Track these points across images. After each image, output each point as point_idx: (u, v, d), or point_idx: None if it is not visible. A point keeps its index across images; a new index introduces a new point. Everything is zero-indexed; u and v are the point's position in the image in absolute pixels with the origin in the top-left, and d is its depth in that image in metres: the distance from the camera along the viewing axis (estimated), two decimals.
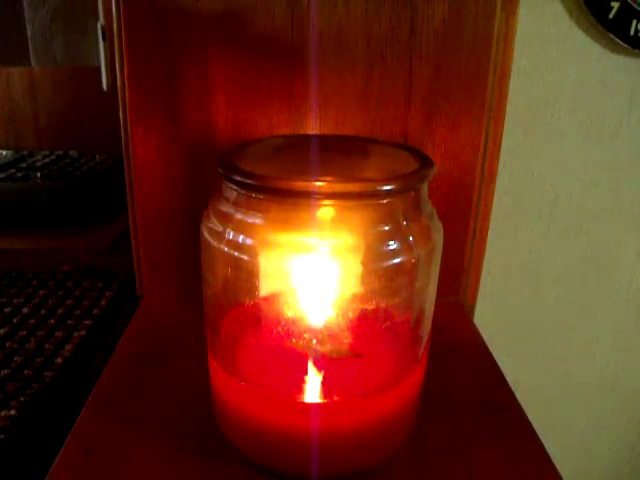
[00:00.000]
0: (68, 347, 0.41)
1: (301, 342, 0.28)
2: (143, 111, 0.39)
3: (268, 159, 0.30)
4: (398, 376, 0.28)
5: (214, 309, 0.29)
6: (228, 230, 0.26)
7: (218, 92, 0.39)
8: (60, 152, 0.72)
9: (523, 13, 0.46)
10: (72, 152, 0.72)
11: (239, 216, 0.26)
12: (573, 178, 0.57)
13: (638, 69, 0.53)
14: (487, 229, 0.45)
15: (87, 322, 0.45)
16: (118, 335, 0.41)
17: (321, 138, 0.36)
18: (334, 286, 0.27)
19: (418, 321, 0.28)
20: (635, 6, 0.50)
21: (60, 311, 0.47)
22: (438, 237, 0.27)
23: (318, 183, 0.23)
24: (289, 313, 0.28)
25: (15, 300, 0.48)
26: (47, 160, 0.68)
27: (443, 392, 0.35)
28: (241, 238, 0.25)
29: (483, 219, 0.44)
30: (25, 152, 0.72)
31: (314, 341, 0.28)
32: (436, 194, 0.42)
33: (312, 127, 0.40)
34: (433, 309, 0.29)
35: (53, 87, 0.75)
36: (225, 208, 0.26)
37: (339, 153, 0.32)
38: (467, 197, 0.42)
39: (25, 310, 0.47)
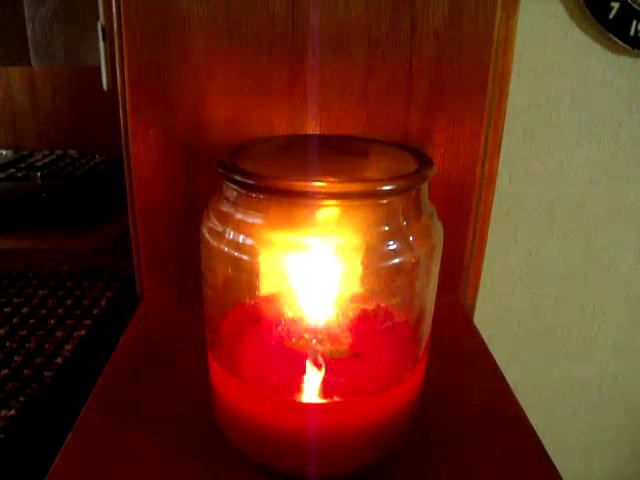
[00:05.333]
0: (68, 347, 0.41)
1: (301, 342, 0.28)
2: (143, 111, 0.39)
3: (268, 159, 0.30)
4: (398, 376, 0.28)
5: (214, 309, 0.29)
6: (228, 230, 0.26)
7: (218, 92, 0.39)
8: (60, 152, 0.72)
9: (523, 13, 0.46)
10: (72, 152, 0.72)
11: (239, 216, 0.26)
12: (573, 178, 0.57)
13: (638, 69, 0.53)
14: (487, 229, 0.45)
15: (87, 322, 0.45)
16: (118, 335, 0.41)
17: (321, 138, 0.36)
18: (334, 286, 0.27)
19: (418, 321, 0.28)
20: (635, 6, 0.50)
21: (60, 311, 0.47)
22: (438, 237, 0.27)
23: (318, 183, 0.23)
24: (289, 313, 0.28)
25: (15, 300, 0.48)
26: (47, 160, 0.68)
27: (443, 392, 0.35)
28: (241, 238, 0.25)
29: (483, 219, 0.44)
30: (25, 152, 0.72)
31: (314, 341, 0.28)
32: (436, 194, 0.41)
33: (312, 127, 0.40)
34: (433, 309, 0.29)
35: (53, 87, 0.75)
36: (225, 208, 0.26)
37: (339, 153, 0.32)
38: (467, 197, 0.42)
39: (25, 310, 0.47)
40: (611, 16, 0.50)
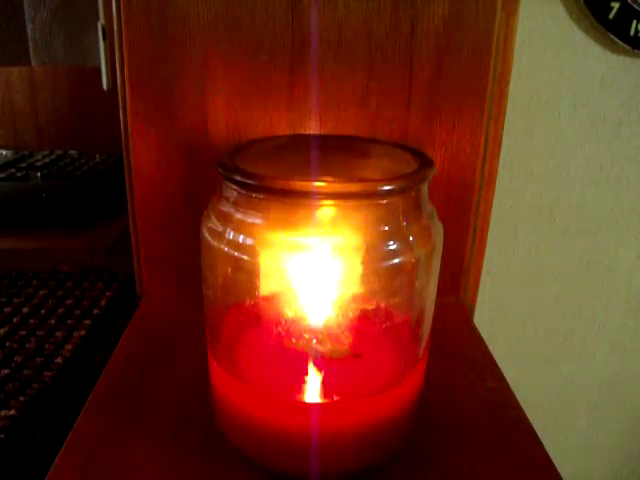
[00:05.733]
0: (68, 347, 0.41)
1: (301, 342, 0.28)
2: (143, 111, 0.39)
3: (268, 159, 0.30)
4: (398, 376, 0.28)
5: (214, 309, 0.29)
6: (228, 230, 0.26)
7: (218, 92, 0.39)
8: (60, 152, 0.72)
9: (523, 13, 0.46)
10: (72, 152, 0.72)
11: (239, 216, 0.26)
12: (573, 178, 0.57)
13: (638, 69, 0.53)
14: (487, 229, 0.45)
15: (87, 322, 0.45)
16: (118, 335, 0.41)
17: (321, 138, 0.36)
18: (334, 286, 0.27)
19: (418, 321, 0.28)
20: (635, 6, 0.50)
21: (60, 311, 0.47)
22: (438, 237, 0.27)
23: (318, 183, 0.23)
24: (289, 313, 0.28)
25: (15, 300, 0.48)
26: (47, 160, 0.68)
27: (443, 392, 0.35)
28: (241, 238, 0.25)
29: (483, 219, 0.44)
30: (25, 152, 0.71)
31: (314, 341, 0.28)
32: (436, 194, 0.42)
33: (312, 127, 0.40)
34: (433, 309, 0.29)
35: (53, 87, 0.75)
36: (225, 208, 0.26)
37: (339, 153, 0.32)
38: (467, 197, 0.42)
39: (25, 310, 0.47)
40: (611, 16, 0.50)
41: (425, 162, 0.27)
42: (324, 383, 0.27)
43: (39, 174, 0.61)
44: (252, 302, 0.28)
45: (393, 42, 0.38)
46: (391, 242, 0.25)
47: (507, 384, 0.36)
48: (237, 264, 0.26)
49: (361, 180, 0.25)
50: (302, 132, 0.40)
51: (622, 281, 0.63)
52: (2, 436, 0.32)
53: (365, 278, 0.26)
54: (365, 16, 0.37)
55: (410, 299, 0.27)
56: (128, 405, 0.33)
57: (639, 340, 0.66)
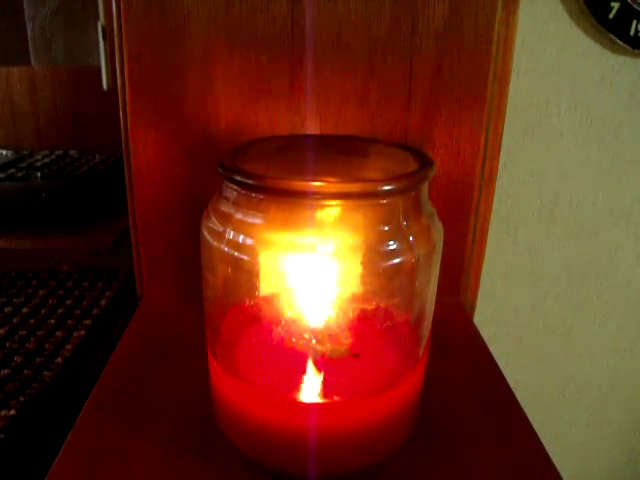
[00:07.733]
0: (68, 347, 0.41)
1: (301, 342, 0.28)
2: (143, 111, 0.39)
3: (268, 159, 0.30)
4: (398, 376, 0.28)
5: (214, 309, 0.29)
6: (228, 230, 0.26)
7: (218, 92, 0.39)
8: (60, 152, 0.72)
9: (523, 13, 0.46)
10: (72, 152, 0.73)
11: (239, 216, 0.26)
12: (573, 178, 0.57)
13: (638, 69, 0.53)
14: (487, 229, 0.45)
15: (87, 322, 0.45)
16: (118, 335, 0.41)
17: (321, 138, 0.36)
18: (334, 286, 0.27)
19: (418, 321, 0.28)
20: (635, 6, 0.50)
21: (60, 311, 0.47)
22: (438, 237, 0.27)
23: (318, 183, 0.23)
24: (289, 313, 0.28)
25: (15, 300, 0.48)
26: (47, 160, 0.68)
27: (443, 392, 0.35)
28: (241, 238, 0.25)
29: (483, 219, 0.44)
30: (25, 152, 0.72)
31: (314, 341, 0.28)
32: (436, 194, 0.42)
33: (312, 127, 0.40)
34: (433, 309, 0.29)
35: (53, 87, 0.75)
36: (225, 208, 0.26)
37: (339, 153, 0.32)
38: (467, 197, 0.42)
39: (25, 310, 0.47)
40: (611, 16, 0.50)
41: (425, 162, 0.27)
42: (324, 383, 0.27)
43: (39, 174, 0.61)
44: (252, 302, 0.28)
45: (393, 42, 0.38)
46: (391, 242, 0.25)
47: (507, 384, 0.36)
48: (237, 264, 0.26)
49: (361, 180, 0.25)
50: (302, 132, 0.40)
51: (622, 281, 0.63)
52: (2, 436, 0.32)
53: (365, 278, 0.26)
54: (365, 16, 0.37)
55: (410, 299, 0.27)
56: (128, 405, 0.33)
57: (639, 340, 0.66)
